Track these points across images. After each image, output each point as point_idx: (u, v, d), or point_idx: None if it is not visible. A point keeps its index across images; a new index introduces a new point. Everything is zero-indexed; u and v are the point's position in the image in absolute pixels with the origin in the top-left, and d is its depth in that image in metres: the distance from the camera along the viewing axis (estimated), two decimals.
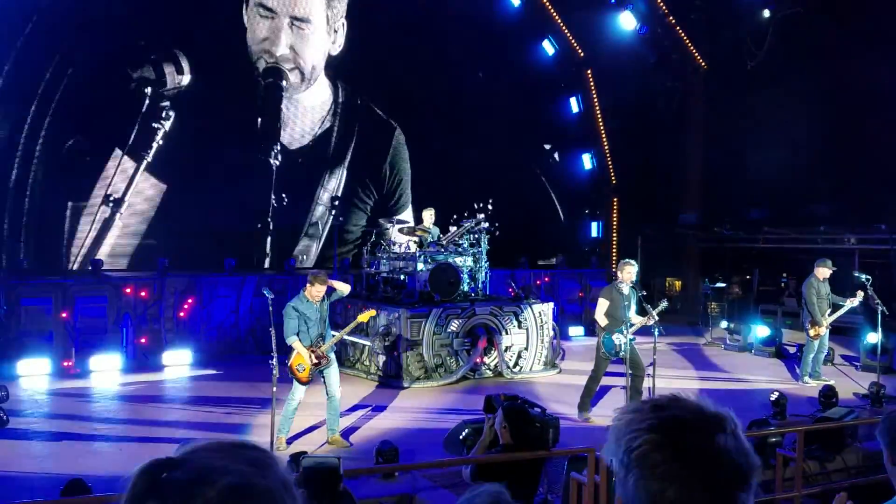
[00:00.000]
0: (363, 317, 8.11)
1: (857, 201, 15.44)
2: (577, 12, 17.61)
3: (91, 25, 9.40)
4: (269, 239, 12.92)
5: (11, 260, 9.90)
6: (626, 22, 16.88)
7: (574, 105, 18.13)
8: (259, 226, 12.68)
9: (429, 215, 12.55)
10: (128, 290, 11.78)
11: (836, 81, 15.45)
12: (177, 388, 10.34)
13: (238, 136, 11.25)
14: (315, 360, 7.28)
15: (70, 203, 10.22)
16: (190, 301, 12.29)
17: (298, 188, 12.54)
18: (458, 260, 11.68)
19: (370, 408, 9.00)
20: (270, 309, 7.15)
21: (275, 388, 6.64)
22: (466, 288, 11.69)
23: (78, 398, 9.71)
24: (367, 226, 13.34)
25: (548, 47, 17.68)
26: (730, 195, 17.29)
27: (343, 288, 7.74)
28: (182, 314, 12.20)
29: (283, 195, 12.12)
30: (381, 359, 10.52)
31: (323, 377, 7.44)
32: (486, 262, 12.20)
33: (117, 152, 10.07)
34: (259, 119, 11.17)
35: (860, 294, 10.08)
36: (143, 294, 11.88)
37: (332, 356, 7.53)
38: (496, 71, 17.20)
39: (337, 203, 13.16)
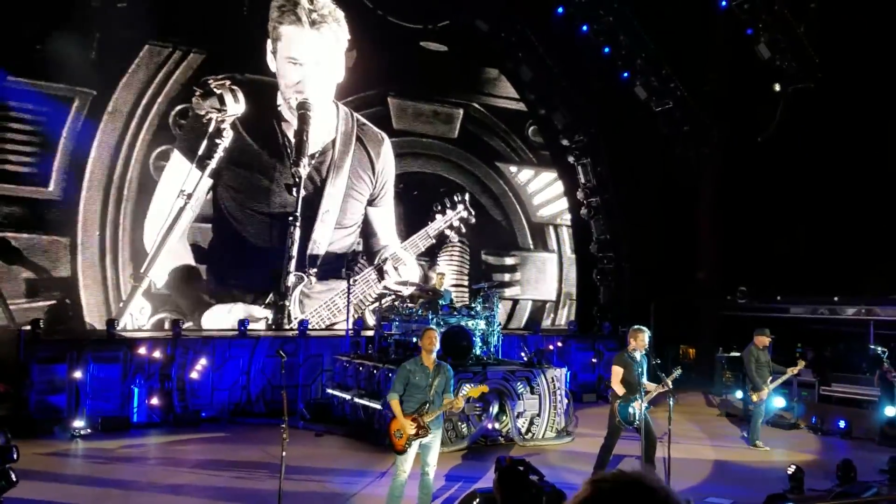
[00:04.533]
0: (474, 392, 7.54)
1: (871, 272, 15.39)
2: (591, 84, 18.05)
3: (178, 66, 13.67)
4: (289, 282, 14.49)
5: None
6: (639, 94, 17.22)
7: (587, 172, 18.38)
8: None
9: (441, 278, 12.67)
10: (141, 351, 11.83)
11: (847, 154, 15.61)
12: (186, 451, 10.27)
13: (275, 150, 14.49)
14: (414, 430, 6.72)
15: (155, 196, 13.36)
16: (202, 362, 12.30)
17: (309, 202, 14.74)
18: (471, 323, 11.70)
19: (378, 475, 8.89)
20: (283, 371, 7.15)
21: (284, 453, 6.57)
22: (479, 351, 11.66)
23: (88, 459, 9.69)
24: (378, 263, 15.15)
25: (560, 117, 18.07)
26: (743, 263, 17.27)
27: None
28: (194, 375, 12.20)
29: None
30: None
31: (420, 449, 6.87)
32: (498, 325, 12.26)
33: (191, 160, 13.50)
34: (293, 139, 14.43)
35: (801, 364, 10.93)
36: (156, 355, 11.93)
37: (438, 431, 7.00)
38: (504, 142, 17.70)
39: (352, 262, 13.40)
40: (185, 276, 13.60)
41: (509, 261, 17.58)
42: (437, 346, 7.07)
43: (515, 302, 17.63)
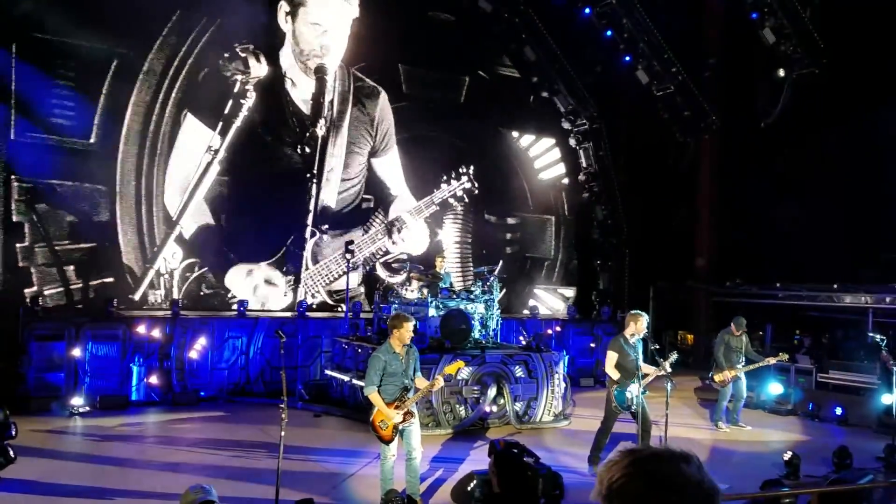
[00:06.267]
0: (450, 368, 7.33)
1: (871, 259, 15.39)
2: (593, 67, 17.95)
3: (205, 32, 14.24)
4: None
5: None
6: (640, 78, 17.12)
7: (589, 156, 18.33)
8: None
9: (441, 261, 12.66)
10: (140, 330, 11.84)
11: (850, 140, 15.55)
12: (184, 429, 10.30)
13: (287, 113, 15.20)
14: (401, 418, 6.74)
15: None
16: (201, 342, 12.32)
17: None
18: (470, 307, 11.70)
19: (375, 455, 8.91)
20: (282, 352, 7.13)
21: (283, 433, 6.56)
22: (477, 335, 11.67)
23: (86, 437, 9.70)
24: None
25: (562, 100, 17.98)
26: (742, 250, 17.27)
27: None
28: (193, 354, 12.22)
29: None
30: None
31: (402, 434, 6.88)
32: (497, 309, 12.26)
33: (218, 118, 14.38)
34: (311, 101, 15.26)
35: (783, 356, 11.20)
36: (154, 334, 11.94)
37: (416, 412, 7.00)
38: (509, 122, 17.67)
39: (352, 248, 13.40)
40: (209, 232, 14.44)
41: (511, 220, 18.31)
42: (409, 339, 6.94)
43: (515, 259, 18.28)
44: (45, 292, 12.51)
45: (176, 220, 13.98)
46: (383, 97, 16.34)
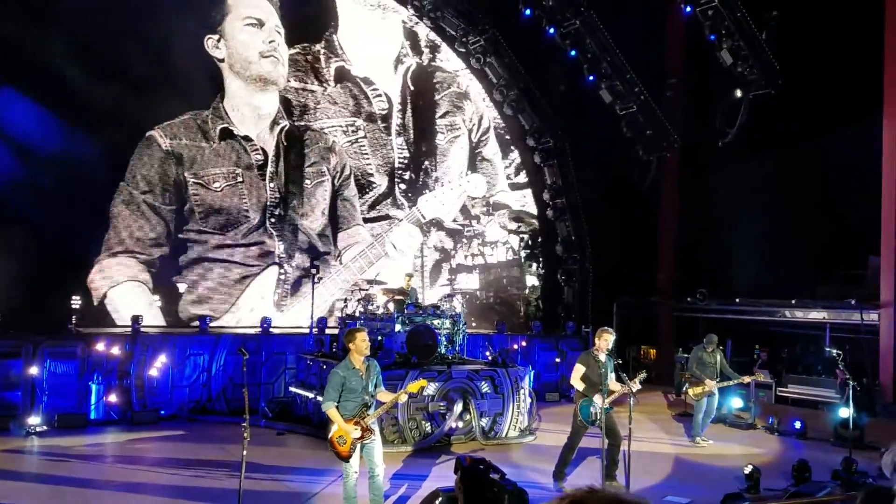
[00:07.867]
0: (413, 387, 7.23)
1: (828, 275, 15.75)
2: (556, 86, 18.21)
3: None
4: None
5: None
6: (604, 97, 17.40)
7: (554, 173, 18.52)
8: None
9: (409, 279, 12.68)
10: (99, 347, 11.60)
11: (804, 159, 15.97)
12: (145, 449, 10.10)
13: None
14: (359, 434, 6.66)
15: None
16: (162, 359, 12.11)
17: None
18: (436, 322, 11.70)
19: (339, 474, 8.83)
20: (244, 369, 7.03)
21: (245, 451, 6.45)
22: (444, 350, 11.66)
23: (43, 456, 9.48)
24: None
25: (527, 118, 18.18)
26: (703, 266, 17.55)
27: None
28: (153, 372, 12.01)
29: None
30: None
31: (363, 451, 6.81)
32: (463, 325, 12.29)
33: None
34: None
35: (758, 374, 11.83)
36: (114, 351, 11.71)
37: (377, 429, 6.92)
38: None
39: (318, 264, 13.38)
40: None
41: (479, 227, 18.75)
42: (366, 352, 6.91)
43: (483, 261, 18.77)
44: None
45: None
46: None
